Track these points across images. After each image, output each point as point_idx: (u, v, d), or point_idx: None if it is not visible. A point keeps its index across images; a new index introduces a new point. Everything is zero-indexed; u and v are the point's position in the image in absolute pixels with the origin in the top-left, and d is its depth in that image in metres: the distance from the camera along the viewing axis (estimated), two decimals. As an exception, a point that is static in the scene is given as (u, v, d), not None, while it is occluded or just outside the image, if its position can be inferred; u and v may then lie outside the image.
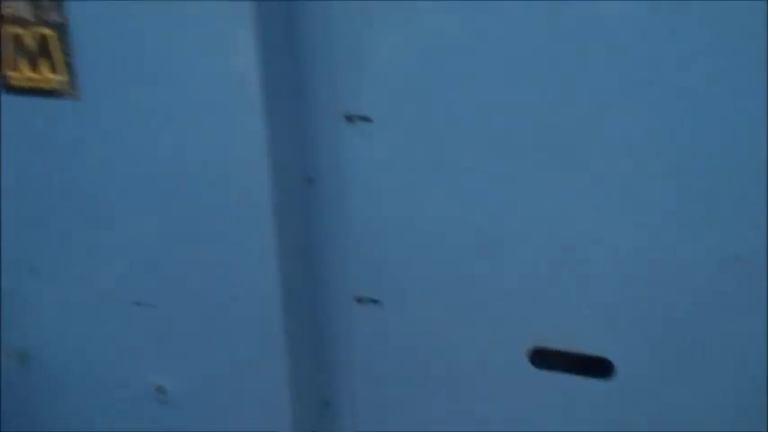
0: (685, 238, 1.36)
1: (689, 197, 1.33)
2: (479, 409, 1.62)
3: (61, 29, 1.48)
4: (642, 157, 1.33)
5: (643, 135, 1.32)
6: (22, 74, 1.54)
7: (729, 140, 1.27)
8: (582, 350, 1.50)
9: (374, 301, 1.62)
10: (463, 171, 1.47)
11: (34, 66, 1.53)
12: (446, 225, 1.51)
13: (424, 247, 1.54)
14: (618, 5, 1.26)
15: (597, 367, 1.49)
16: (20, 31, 1.51)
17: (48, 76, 1.52)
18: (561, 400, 1.55)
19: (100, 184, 1.57)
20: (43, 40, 1.51)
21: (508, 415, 1.60)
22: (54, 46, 1.50)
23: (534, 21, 1.32)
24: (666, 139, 1.31)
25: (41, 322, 1.75)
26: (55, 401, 1.81)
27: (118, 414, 1.74)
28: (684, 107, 1.28)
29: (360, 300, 1.63)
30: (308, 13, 1.44)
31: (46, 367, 1.77)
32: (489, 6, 1.34)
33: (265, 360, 1.59)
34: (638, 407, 1.49)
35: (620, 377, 1.48)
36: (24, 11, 1.50)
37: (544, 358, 1.53)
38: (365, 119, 1.48)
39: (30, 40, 1.52)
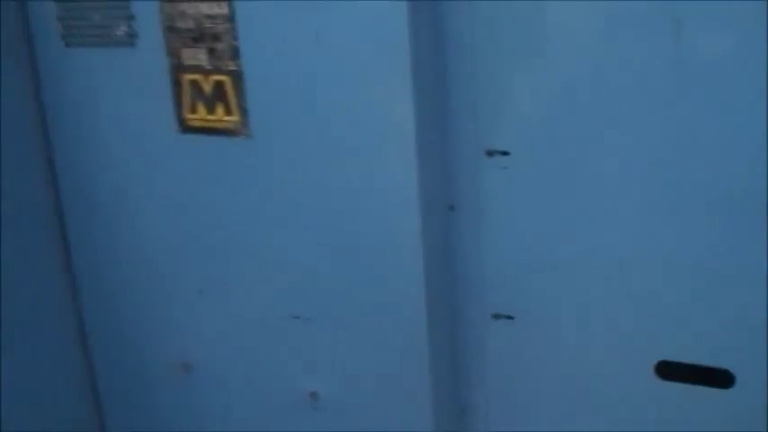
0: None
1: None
2: (607, 417, 1.76)
3: (236, 75, 1.69)
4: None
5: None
6: (200, 116, 1.76)
7: None
8: (703, 362, 1.63)
9: (509, 318, 1.78)
10: (591, 200, 1.63)
11: (210, 108, 1.74)
12: (576, 248, 1.67)
13: (556, 268, 1.70)
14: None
15: (719, 378, 1.63)
16: (199, 77, 1.73)
17: (222, 117, 1.73)
18: (685, 409, 1.68)
19: (265, 212, 1.77)
20: (219, 86, 1.72)
21: (635, 425, 1.74)
22: (229, 90, 1.71)
23: (660, 74, 1.48)
24: None
25: (205, 336, 1.95)
26: (214, 407, 2.01)
27: (273, 418, 1.93)
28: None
29: (496, 316, 1.79)
30: (455, 62, 1.63)
31: (209, 376, 1.98)
32: (618, 57, 1.50)
33: (410, 370, 1.76)
34: (756, 414, 1.62)
35: (740, 386, 1.62)
36: (203, 60, 1.72)
37: (669, 370, 1.67)
38: (504, 153, 1.66)
39: (207, 86, 1.73)
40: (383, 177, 1.63)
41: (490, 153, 1.67)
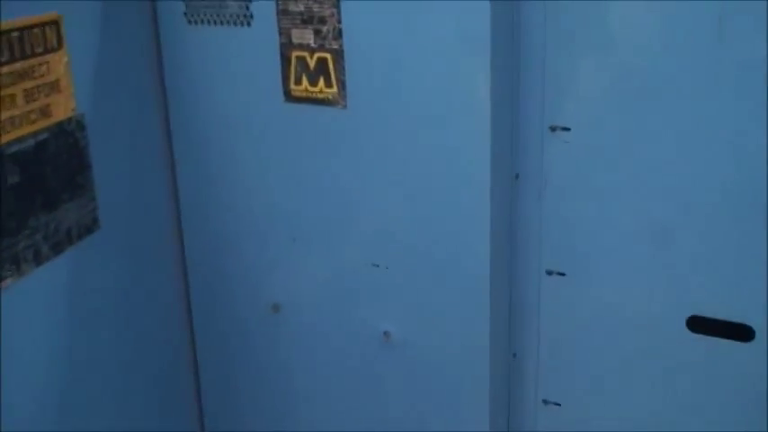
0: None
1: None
2: (644, 364, 2.03)
3: (337, 53, 1.99)
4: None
5: None
6: (303, 87, 2.05)
7: None
8: (730, 318, 1.89)
9: (561, 274, 2.06)
10: (639, 171, 1.90)
11: (313, 81, 2.04)
12: (623, 214, 1.94)
13: (605, 231, 1.97)
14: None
15: (741, 332, 1.89)
16: (305, 54, 2.03)
17: (323, 89, 2.03)
18: (712, 360, 1.94)
19: (356, 172, 2.06)
20: (322, 62, 2.01)
21: (668, 372, 2.00)
22: (330, 66, 2.00)
23: (704, 67, 1.75)
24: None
25: (294, 280, 2.25)
26: (301, 344, 2.31)
27: (351, 354, 2.23)
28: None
29: (549, 272, 2.07)
30: (527, 49, 1.91)
31: (296, 316, 2.28)
32: (669, 49, 1.77)
33: (472, 316, 2.04)
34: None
35: (759, 341, 1.87)
36: (310, 39, 2.01)
37: (699, 325, 1.93)
38: (565, 129, 1.93)
39: (311, 62, 2.03)
40: (460, 147, 1.91)
41: (553, 128, 1.94)
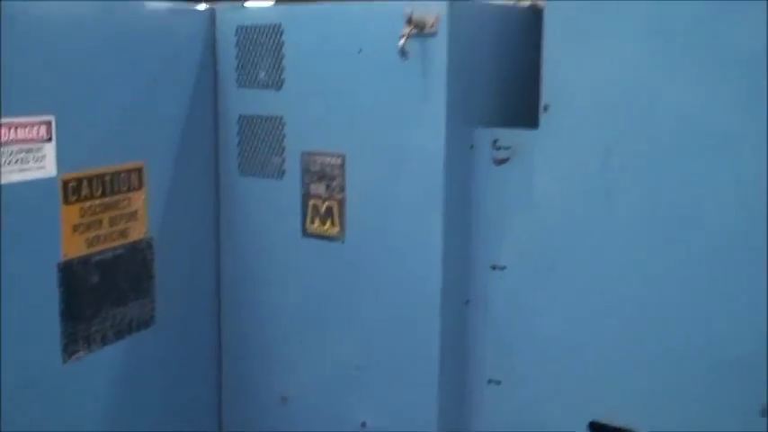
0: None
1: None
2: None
3: (341, 202, 2.68)
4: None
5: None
6: (316, 226, 2.75)
7: None
8: (629, 426, 2.41)
9: (497, 383, 2.62)
10: (559, 302, 2.49)
11: (323, 221, 2.73)
12: (550, 334, 2.52)
13: (536, 346, 2.55)
14: None
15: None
16: (318, 202, 2.73)
17: (329, 227, 2.72)
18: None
19: (350, 291, 2.71)
20: (330, 208, 2.71)
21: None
22: (335, 212, 2.70)
23: (606, 234, 2.37)
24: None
25: (299, 376, 2.88)
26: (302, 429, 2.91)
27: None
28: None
29: (489, 381, 2.64)
30: (477, 213, 2.57)
31: (299, 406, 2.89)
32: (573, 214, 2.41)
33: (424, 408, 2.61)
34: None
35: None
36: (322, 192, 2.72)
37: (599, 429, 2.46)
38: (502, 268, 2.55)
39: (322, 207, 2.73)
40: (421, 276, 2.55)
41: (493, 267, 2.57)
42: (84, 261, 2.47)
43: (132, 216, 2.63)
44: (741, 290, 2.20)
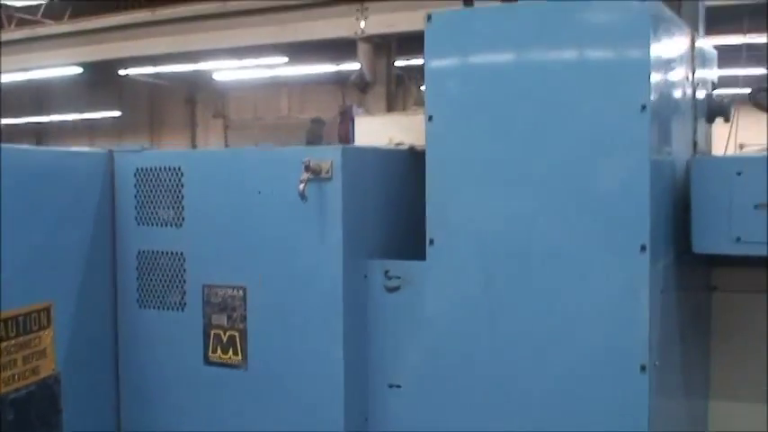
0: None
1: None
2: None
3: (243, 332, 2.87)
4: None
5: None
6: (218, 354, 2.91)
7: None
8: None
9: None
10: (449, 414, 2.74)
11: (225, 350, 2.90)
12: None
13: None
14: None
15: None
16: (220, 332, 2.90)
17: (231, 356, 2.89)
18: None
19: (252, 407, 2.88)
20: (232, 338, 2.89)
21: None
22: (237, 341, 2.88)
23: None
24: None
25: None
26: None
27: None
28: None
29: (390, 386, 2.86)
30: (374, 334, 2.82)
31: None
32: (455, 341, 2.69)
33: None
34: None
35: None
36: (224, 322, 2.89)
37: None
38: (398, 386, 2.80)
39: (224, 337, 2.90)
40: (324, 402, 2.75)
41: (390, 386, 2.81)
42: (1, 400, 2.55)
43: (42, 354, 2.72)
44: (609, 397, 2.53)
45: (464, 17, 2.71)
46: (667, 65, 2.69)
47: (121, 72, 19.33)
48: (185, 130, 24.97)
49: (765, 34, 14.71)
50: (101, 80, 20.94)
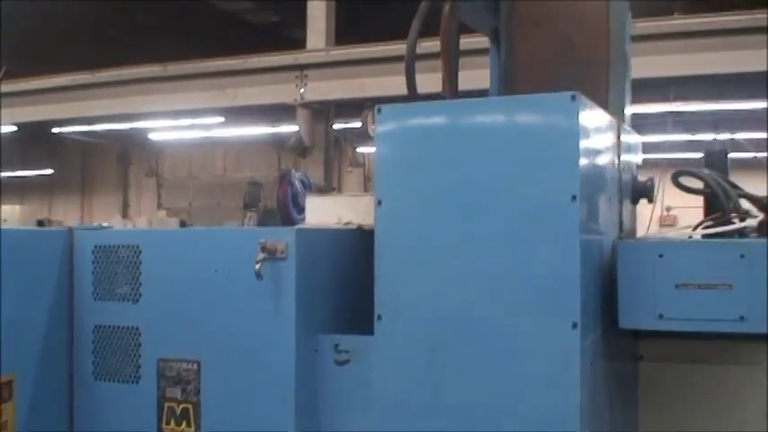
0: None
1: None
2: None
3: (196, 405, 2.99)
4: None
5: None
6: (171, 427, 3.03)
7: None
8: None
9: None
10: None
11: (178, 423, 3.02)
12: None
13: None
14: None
15: None
16: (174, 405, 3.02)
17: (185, 428, 3.00)
18: None
19: (206, 485, 2.99)
20: (185, 410, 3.01)
21: None
22: (191, 414, 3.00)
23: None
24: None
25: None
26: None
27: None
28: None
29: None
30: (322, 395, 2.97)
31: None
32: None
33: None
34: None
35: None
36: (178, 395, 3.01)
37: None
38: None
39: (178, 410, 3.01)
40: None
41: None
42: (-39, 473, 2.64)
43: (4, 426, 2.81)
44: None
45: (410, 110, 2.93)
46: (595, 155, 2.94)
47: (55, 130, 19.26)
48: (118, 188, 24.85)
49: (691, 103, 15.46)
50: (34, 137, 20.82)
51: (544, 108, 2.76)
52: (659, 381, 3.65)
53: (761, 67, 9.72)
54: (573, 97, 2.70)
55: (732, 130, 17.10)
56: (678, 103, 15.50)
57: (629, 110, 3.89)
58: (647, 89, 13.08)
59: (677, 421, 3.59)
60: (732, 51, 9.89)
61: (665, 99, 15.21)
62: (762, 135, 18.38)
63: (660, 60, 10.00)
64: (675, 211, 14.70)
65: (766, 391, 3.44)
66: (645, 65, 9.39)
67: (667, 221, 14.89)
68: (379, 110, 2.89)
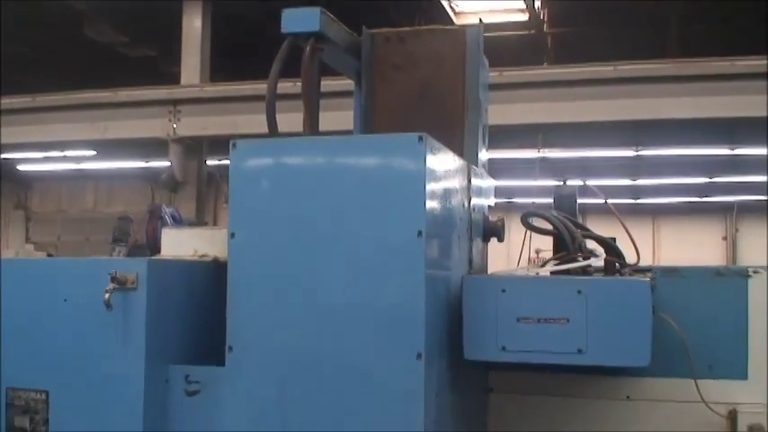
0: None
1: None
2: None
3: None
4: None
5: None
6: (17, 459, 2.97)
7: None
8: None
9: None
10: None
11: (24, 455, 2.97)
12: None
13: None
14: None
15: None
16: None
17: (31, 460, 2.96)
18: None
19: None
20: None
21: None
22: None
23: None
24: None
25: None
26: None
27: None
28: None
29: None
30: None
31: None
32: None
33: None
34: None
35: None
36: (26, 424, 2.97)
37: None
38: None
39: None
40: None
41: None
42: None
43: None
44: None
45: (264, 146, 3.01)
46: (444, 194, 3.07)
47: None
48: (-16, 221, 23.94)
49: (558, 149, 16.08)
50: None
51: (392, 148, 2.88)
52: (507, 412, 3.80)
53: (626, 117, 10.23)
54: (420, 138, 2.83)
55: (599, 175, 17.85)
56: (545, 150, 16.13)
57: (484, 155, 4.07)
58: (518, 135, 13.58)
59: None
60: (602, 101, 10.32)
61: (534, 145, 15.81)
62: (622, 182, 19.36)
63: (528, 108, 10.38)
64: (545, 254, 15.18)
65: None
66: (515, 112, 9.76)
67: (537, 263, 15.32)
68: (234, 145, 2.96)
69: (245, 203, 2.96)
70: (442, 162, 3.07)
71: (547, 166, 16.81)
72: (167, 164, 11.75)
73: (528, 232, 3.92)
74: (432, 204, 2.88)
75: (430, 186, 2.85)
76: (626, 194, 20.43)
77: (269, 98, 3.34)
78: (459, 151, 3.48)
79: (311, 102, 3.48)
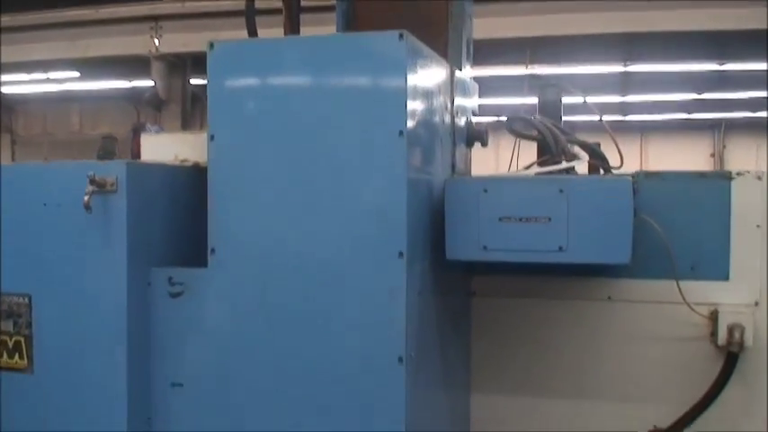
0: None
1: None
2: None
3: (28, 338, 2.97)
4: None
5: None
6: (3, 359, 3.00)
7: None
8: None
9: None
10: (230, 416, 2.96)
11: (11, 355, 2.99)
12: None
13: None
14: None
15: None
16: (6, 338, 2.99)
17: (18, 361, 2.98)
18: None
19: (35, 406, 2.98)
20: (18, 342, 2.99)
21: None
22: (22, 346, 2.98)
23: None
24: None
25: None
26: None
27: None
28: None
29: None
30: (154, 336, 3.00)
31: None
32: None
33: None
34: None
35: None
36: (10, 328, 2.99)
37: None
38: (179, 384, 2.99)
39: (11, 342, 2.99)
40: (106, 402, 2.91)
41: (173, 384, 2.99)
42: None
43: None
44: (371, 389, 2.84)
45: (243, 47, 2.97)
46: (425, 95, 3.05)
47: None
48: (-31, 145, 23.73)
49: (546, 65, 15.93)
50: None
51: (372, 46, 2.85)
52: (490, 314, 3.83)
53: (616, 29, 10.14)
54: (401, 36, 2.79)
55: (588, 93, 17.71)
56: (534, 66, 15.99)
57: (468, 70, 4.01)
58: (505, 51, 13.45)
59: (509, 351, 3.79)
60: (592, 13, 10.20)
61: (522, 62, 15.67)
62: (611, 98, 19.27)
63: (515, 21, 10.26)
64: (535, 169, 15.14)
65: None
66: (501, 26, 9.66)
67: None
68: (212, 45, 2.92)
69: (225, 105, 2.94)
70: (425, 62, 3.03)
71: (536, 84, 16.68)
72: (151, 83, 11.63)
73: (517, 143, 3.92)
74: (414, 105, 2.86)
75: (411, 85, 2.82)
76: (614, 111, 20.35)
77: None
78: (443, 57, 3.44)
79: (291, 3, 3.43)
